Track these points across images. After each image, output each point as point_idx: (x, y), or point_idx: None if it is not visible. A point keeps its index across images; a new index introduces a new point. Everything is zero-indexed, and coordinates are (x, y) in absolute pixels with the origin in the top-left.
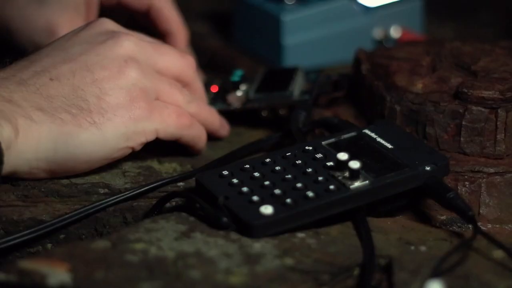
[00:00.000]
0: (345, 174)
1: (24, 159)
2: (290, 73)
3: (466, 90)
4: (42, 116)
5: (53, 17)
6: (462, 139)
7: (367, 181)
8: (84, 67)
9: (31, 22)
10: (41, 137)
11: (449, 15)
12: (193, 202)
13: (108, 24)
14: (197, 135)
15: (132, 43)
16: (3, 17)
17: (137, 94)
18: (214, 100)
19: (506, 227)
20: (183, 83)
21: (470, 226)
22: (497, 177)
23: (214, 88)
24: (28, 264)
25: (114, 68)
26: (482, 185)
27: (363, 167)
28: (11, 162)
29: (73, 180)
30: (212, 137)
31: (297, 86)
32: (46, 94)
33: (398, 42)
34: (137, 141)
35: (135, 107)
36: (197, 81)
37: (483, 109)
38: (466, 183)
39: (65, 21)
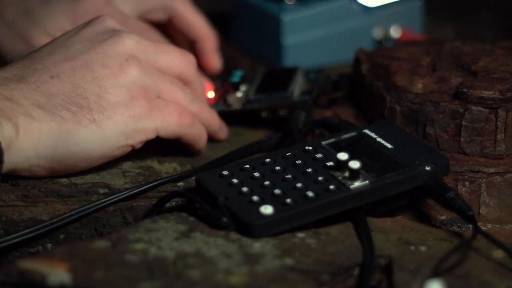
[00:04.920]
0: (345, 174)
1: (24, 157)
2: (290, 73)
3: (466, 90)
4: (42, 114)
5: (35, 40)
6: (462, 139)
7: (367, 181)
8: (85, 65)
9: (14, 41)
10: (41, 135)
11: (449, 15)
12: (193, 202)
13: (109, 22)
14: (198, 135)
15: (133, 42)
16: None
17: (137, 92)
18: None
19: (506, 227)
20: (184, 82)
21: (470, 226)
22: (497, 177)
23: (211, 95)
24: (28, 264)
25: (115, 66)
26: (482, 185)
27: (363, 167)
28: (11, 160)
29: (73, 180)
30: (210, 138)
31: (297, 86)
32: (47, 92)
33: (398, 42)
34: (137, 139)
35: (135, 105)
36: (198, 81)
37: (483, 109)
38: (466, 183)
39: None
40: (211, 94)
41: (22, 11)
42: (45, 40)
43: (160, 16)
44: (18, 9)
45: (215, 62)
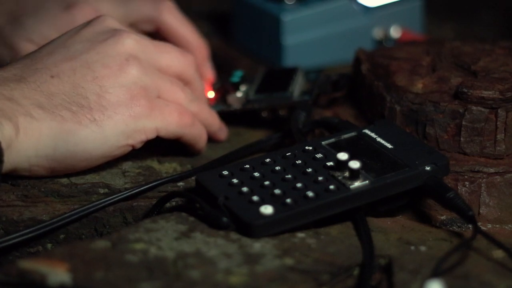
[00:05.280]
0: (345, 174)
1: (24, 156)
2: (290, 73)
3: (466, 90)
4: (43, 114)
5: (19, 46)
6: (462, 139)
7: (367, 181)
8: (85, 65)
9: (1, 42)
10: (41, 134)
11: (449, 15)
12: (193, 202)
13: (109, 22)
14: (198, 135)
15: (133, 41)
16: None
17: (137, 92)
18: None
19: (506, 227)
20: (184, 82)
21: (470, 226)
22: (497, 177)
23: (211, 94)
24: (28, 264)
25: (115, 66)
26: (482, 185)
27: (363, 167)
28: (11, 160)
29: (73, 180)
30: (210, 139)
31: (297, 87)
32: (47, 92)
33: (398, 42)
34: (137, 139)
35: (135, 105)
36: (197, 81)
37: (483, 109)
38: (466, 183)
39: (29, 50)
40: (211, 94)
41: (11, 17)
42: (29, 47)
43: (147, 28)
44: (8, 15)
45: (207, 72)
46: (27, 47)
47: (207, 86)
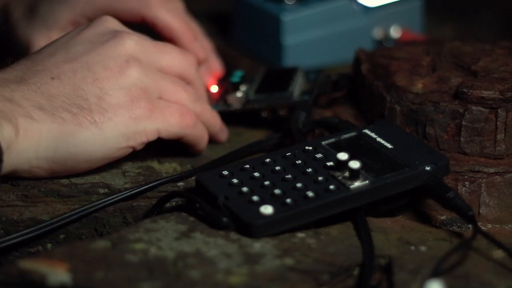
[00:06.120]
0: (345, 174)
1: (24, 158)
2: (290, 73)
3: (466, 90)
4: (43, 115)
5: (35, 35)
6: (462, 139)
7: (367, 181)
8: (85, 66)
9: (17, 37)
10: (42, 136)
11: (449, 15)
12: (193, 202)
13: (111, 23)
14: (199, 135)
15: (134, 43)
16: (3, 28)
17: (138, 94)
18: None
19: (506, 227)
20: (185, 82)
21: (470, 226)
22: (497, 177)
23: (214, 89)
24: (28, 264)
25: (115, 68)
26: (482, 185)
27: (363, 167)
28: (11, 161)
29: (73, 180)
30: (210, 140)
31: (297, 86)
32: (47, 93)
33: (398, 42)
34: (138, 141)
35: (136, 107)
36: (198, 81)
37: (483, 109)
38: (466, 183)
39: (45, 40)
40: (214, 89)
41: (27, 10)
42: (39, 38)
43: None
44: (25, 8)
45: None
46: (44, 35)
47: (217, 72)
